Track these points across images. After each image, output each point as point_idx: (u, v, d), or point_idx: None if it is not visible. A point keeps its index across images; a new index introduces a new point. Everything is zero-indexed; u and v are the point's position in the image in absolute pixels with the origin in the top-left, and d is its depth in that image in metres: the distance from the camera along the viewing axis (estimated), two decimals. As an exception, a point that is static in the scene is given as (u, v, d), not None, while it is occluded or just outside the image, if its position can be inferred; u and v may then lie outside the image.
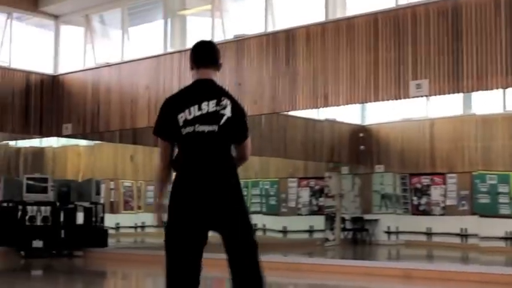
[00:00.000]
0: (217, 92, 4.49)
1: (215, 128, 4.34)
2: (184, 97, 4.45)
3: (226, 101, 4.43)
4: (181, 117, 4.34)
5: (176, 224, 4.35)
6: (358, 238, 20.39)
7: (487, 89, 10.80)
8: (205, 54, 4.65)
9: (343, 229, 20.17)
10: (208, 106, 4.37)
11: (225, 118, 4.38)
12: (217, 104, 4.40)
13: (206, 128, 4.33)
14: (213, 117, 4.35)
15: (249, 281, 4.45)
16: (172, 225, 4.36)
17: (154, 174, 4.62)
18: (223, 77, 13.49)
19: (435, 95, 11.38)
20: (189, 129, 4.32)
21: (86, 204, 15.58)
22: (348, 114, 20.43)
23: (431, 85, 11.05)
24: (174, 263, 4.39)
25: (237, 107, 4.48)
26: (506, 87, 11.00)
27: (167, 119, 4.39)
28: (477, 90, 10.98)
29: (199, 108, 4.36)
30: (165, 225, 4.39)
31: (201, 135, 4.32)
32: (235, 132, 4.46)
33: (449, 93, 11.22)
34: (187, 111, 4.34)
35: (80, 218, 15.64)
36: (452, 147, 19.47)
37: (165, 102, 4.50)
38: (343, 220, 19.97)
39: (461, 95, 16.85)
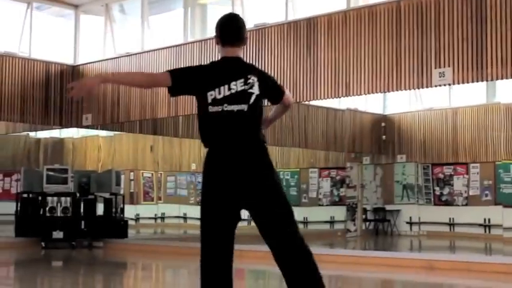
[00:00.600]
0: (245, 70, 4.49)
1: (244, 107, 4.37)
2: (215, 75, 4.45)
3: (253, 79, 4.45)
4: (211, 95, 4.38)
5: (210, 203, 4.40)
6: (380, 229, 20.29)
7: (510, 77, 10.61)
8: (232, 32, 4.61)
9: (365, 220, 20.06)
10: (237, 86, 4.39)
11: (254, 97, 4.41)
12: (245, 83, 4.41)
13: (235, 108, 4.36)
14: (241, 96, 4.38)
15: (295, 261, 4.48)
16: (207, 204, 4.41)
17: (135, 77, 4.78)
18: (244, 67, 13.43)
19: (458, 83, 11.19)
20: (217, 108, 4.36)
21: (106, 195, 15.56)
22: (370, 103, 20.30)
23: (454, 73, 10.91)
24: (208, 242, 4.44)
25: (264, 80, 4.51)
26: (531, 75, 10.78)
27: (192, 86, 4.47)
28: (501, 78, 10.79)
29: (229, 88, 4.39)
30: (200, 204, 4.47)
31: (231, 115, 4.35)
32: (273, 97, 4.63)
33: (472, 82, 11.05)
34: (217, 90, 4.38)
35: (100, 209, 15.65)
36: (475, 137, 19.30)
37: (199, 69, 4.55)
38: (364, 211, 19.85)
39: (484, 83, 16.71)
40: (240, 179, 4.33)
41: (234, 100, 4.36)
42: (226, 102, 4.35)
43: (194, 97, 4.52)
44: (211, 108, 4.37)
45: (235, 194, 4.37)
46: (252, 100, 4.39)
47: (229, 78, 4.40)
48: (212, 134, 4.41)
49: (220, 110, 4.35)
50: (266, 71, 12.70)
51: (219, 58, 4.59)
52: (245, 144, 4.38)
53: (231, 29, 4.62)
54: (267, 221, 4.44)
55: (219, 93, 4.37)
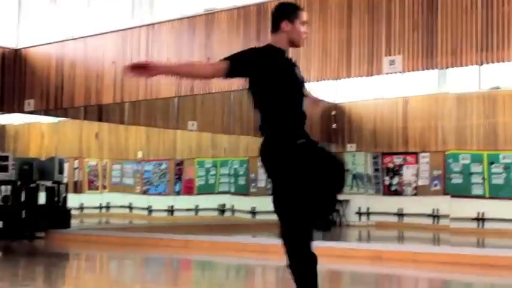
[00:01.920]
0: None
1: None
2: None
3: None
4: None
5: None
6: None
7: (461, 66, 10.64)
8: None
9: (314, 210, 19.91)
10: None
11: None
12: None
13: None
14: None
15: None
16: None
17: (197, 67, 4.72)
18: (193, 52, 13.20)
19: (409, 71, 11.15)
20: (297, 88, 4.60)
21: (49, 183, 15.21)
22: (321, 91, 20.13)
23: (405, 61, 10.86)
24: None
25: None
26: (481, 64, 10.76)
27: (262, 66, 4.52)
28: (451, 66, 10.82)
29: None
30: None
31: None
32: None
33: (423, 70, 11.00)
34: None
35: (42, 197, 15.29)
36: (426, 126, 19.30)
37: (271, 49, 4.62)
38: (313, 200, 19.70)
39: (436, 72, 16.73)
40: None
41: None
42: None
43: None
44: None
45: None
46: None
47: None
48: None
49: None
50: (214, 57, 12.59)
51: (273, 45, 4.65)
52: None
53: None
54: None
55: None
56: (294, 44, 4.63)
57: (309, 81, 11.99)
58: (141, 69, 4.34)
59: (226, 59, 4.47)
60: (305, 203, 4.44)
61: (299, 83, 4.63)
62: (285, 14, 4.60)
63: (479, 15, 10.22)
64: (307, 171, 4.41)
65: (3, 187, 14.54)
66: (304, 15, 4.62)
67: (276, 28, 4.63)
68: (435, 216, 18.75)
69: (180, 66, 4.46)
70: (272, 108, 4.52)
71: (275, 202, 4.55)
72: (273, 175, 4.51)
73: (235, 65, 4.45)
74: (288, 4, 4.70)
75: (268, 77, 4.48)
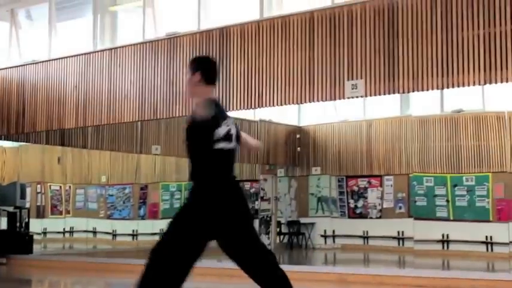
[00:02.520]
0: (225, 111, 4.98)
1: (234, 145, 4.84)
2: (217, 113, 4.74)
3: (232, 120, 4.90)
4: (217, 132, 4.67)
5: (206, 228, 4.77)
6: (294, 242, 20.15)
7: (422, 90, 10.64)
8: (216, 72, 5.00)
9: (279, 233, 19.93)
10: (228, 125, 4.80)
11: (235, 136, 4.87)
12: (231, 123, 4.86)
13: (230, 146, 4.79)
14: (231, 135, 4.80)
15: None
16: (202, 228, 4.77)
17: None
18: (155, 76, 13.16)
19: (371, 95, 11.15)
20: (221, 145, 4.70)
21: (10, 208, 15.04)
22: (285, 114, 20.18)
23: (367, 85, 10.87)
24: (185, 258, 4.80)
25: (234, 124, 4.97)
26: (442, 88, 10.83)
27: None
28: (413, 90, 10.80)
29: (227, 125, 4.78)
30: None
31: (228, 152, 4.78)
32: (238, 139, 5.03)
33: (385, 94, 11.01)
34: (220, 129, 4.70)
35: (3, 223, 15.07)
36: (390, 149, 19.39)
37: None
38: (278, 224, 19.72)
39: (398, 95, 16.82)
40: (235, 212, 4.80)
41: (229, 138, 4.76)
42: (227, 141, 4.73)
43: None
44: (216, 145, 4.68)
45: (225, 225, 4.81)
46: (234, 138, 4.84)
47: (223, 117, 4.79)
48: (214, 169, 4.72)
49: (222, 147, 4.70)
50: (177, 81, 12.56)
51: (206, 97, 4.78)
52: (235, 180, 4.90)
53: (216, 69, 5.00)
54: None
55: (222, 131, 4.71)
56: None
57: (273, 105, 12.06)
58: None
59: None
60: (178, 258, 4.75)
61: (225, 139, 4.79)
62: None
63: (439, 39, 10.27)
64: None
65: (-37, 213, 14.35)
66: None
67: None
68: (400, 238, 18.80)
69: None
70: (200, 162, 4.75)
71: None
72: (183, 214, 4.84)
73: None
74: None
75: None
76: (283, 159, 20.73)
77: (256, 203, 19.19)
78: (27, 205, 15.84)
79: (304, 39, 11.55)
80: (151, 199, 19.60)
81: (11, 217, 15.08)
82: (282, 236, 20.17)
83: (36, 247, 15.39)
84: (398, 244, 18.80)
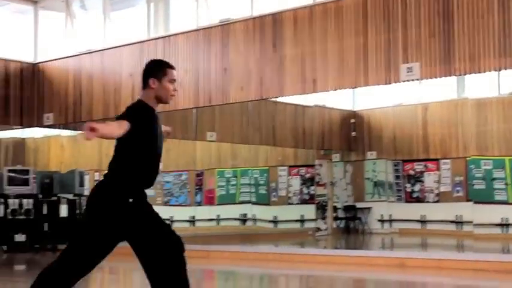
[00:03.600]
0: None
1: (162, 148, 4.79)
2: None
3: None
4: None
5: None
6: (351, 227, 20.10)
7: (479, 72, 10.53)
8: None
9: (335, 218, 19.89)
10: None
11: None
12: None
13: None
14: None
15: None
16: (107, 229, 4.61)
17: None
18: (209, 63, 13.21)
19: (426, 78, 11.11)
20: (153, 145, 4.66)
21: (70, 196, 15.26)
22: (339, 99, 20.09)
23: (422, 68, 10.77)
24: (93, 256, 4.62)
25: None
26: (499, 69, 10.67)
27: (145, 124, 4.59)
28: (469, 73, 10.73)
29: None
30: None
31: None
32: None
33: (440, 77, 10.91)
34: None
35: (63, 210, 15.31)
36: (446, 132, 19.16)
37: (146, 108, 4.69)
38: (335, 209, 19.67)
39: (454, 78, 16.60)
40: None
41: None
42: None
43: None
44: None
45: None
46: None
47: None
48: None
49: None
50: (231, 68, 12.59)
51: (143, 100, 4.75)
52: None
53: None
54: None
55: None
56: (161, 100, 4.72)
57: (327, 90, 12.02)
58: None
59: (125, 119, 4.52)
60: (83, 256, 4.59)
61: (158, 142, 4.71)
62: (152, 71, 4.71)
63: (496, 20, 10.13)
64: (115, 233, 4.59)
65: (25, 201, 14.61)
66: (172, 73, 4.72)
67: (144, 85, 4.73)
68: (458, 222, 18.59)
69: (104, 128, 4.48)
70: (125, 158, 4.62)
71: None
72: (89, 218, 4.62)
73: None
74: (157, 62, 4.84)
75: (133, 131, 4.50)
76: (338, 144, 20.66)
77: (312, 188, 19.18)
78: (86, 192, 16.04)
79: (357, 23, 11.48)
80: (207, 185, 19.70)
81: (71, 204, 15.30)
82: (338, 221, 20.11)
83: (95, 234, 15.57)
84: (457, 228, 18.61)
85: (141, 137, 4.55)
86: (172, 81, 4.70)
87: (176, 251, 4.59)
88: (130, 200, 4.57)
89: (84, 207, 4.68)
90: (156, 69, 4.70)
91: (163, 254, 4.54)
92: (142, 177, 4.66)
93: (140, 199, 4.64)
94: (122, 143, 4.56)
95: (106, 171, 4.67)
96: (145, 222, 4.60)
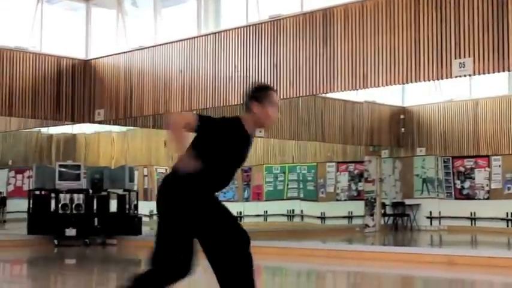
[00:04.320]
0: None
1: None
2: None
3: None
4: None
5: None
6: (399, 224, 19.96)
7: (533, 67, 10.30)
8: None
9: (383, 215, 19.76)
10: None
11: None
12: None
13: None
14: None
15: None
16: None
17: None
18: (259, 59, 13.21)
19: (479, 74, 10.92)
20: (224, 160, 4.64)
21: (119, 191, 15.41)
22: (388, 95, 19.96)
23: (475, 64, 10.62)
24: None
25: None
26: (553, 65, 10.45)
27: (219, 136, 4.59)
28: (524, 68, 10.48)
29: None
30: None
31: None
32: None
33: (493, 72, 10.77)
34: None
35: (113, 205, 15.50)
36: (497, 128, 18.95)
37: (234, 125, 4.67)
38: (383, 205, 19.56)
39: (506, 73, 16.36)
40: None
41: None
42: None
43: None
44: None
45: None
46: None
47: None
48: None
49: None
50: (281, 64, 12.58)
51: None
52: None
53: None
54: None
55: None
56: (261, 125, 4.69)
57: (378, 86, 11.95)
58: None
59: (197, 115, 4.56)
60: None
61: (233, 161, 4.67)
62: (255, 95, 4.63)
63: (551, 13, 9.98)
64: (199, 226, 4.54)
65: (75, 196, 14.77)
66: (274, 96, 4.62)
67: (246, 108, 4.66)
68: (509, 220, 18.36)
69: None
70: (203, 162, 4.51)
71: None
72: (167, 214, 4.58)
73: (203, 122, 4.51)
74: (259, 86, 4.76)
75: (203, 136, 4.52)
76: (387, 140, 20.54)
77: (360, 184, 19.09)
78: (135, 188, 16.19)
79: (409, 18, 11.38)
80: (255, 181, 19.75)
81: (121, 199, 15.44)
82: (386, 218, 20.00)
83: (144, 229, 15.71)
84: (507, 225, 18.38)
85: (213, 146, 4.53)
86: (274, 103, 4.62)
87: (244, 249, 4.56)
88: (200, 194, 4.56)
89: (156, 200, 4.62)
90: (259, 93, 4.64)
91: (232, 252, 4.52)
92: (213, 182, 4.65)
93: (210, 194, 4.63)
94: (198, 143, 4.54)
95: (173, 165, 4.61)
96: (216, 218, 4.57)
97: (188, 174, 4.43)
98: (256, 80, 4.73)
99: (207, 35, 14.34)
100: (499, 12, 10.41)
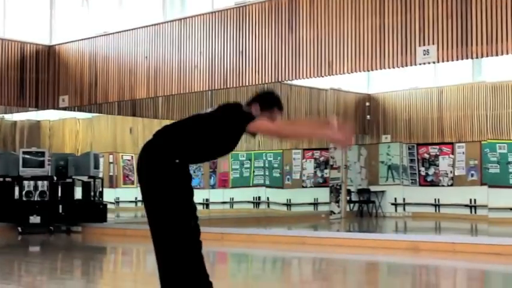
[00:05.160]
0: None
1: None
2: None
3: None
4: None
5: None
6: (364, 210, 20.08)
7: (496, 55, 10.47)
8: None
9: (349, 201, 19.88)
10: None
11: None
12: None
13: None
14: None
15: None
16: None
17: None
18: (225, 46, 13.18)
19: (443, 61, 10.99)
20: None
21: (84, 178, 15.33)
22: (354, 82, 20.02)
23: (439, 51, 10.71)
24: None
25: None
26: (517, 52, 10.55)
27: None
28: (486, 55, 10.65)
29: None
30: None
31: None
32: None
33: (457, 59, 10.84)
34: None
35: (78, 192, 15.42)
36: (461, 116, 19.10)
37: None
38: (348, 192, 19.67)
39: (470, 61, 16.49)
40: None
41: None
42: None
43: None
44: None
45: None
46: None
47: None
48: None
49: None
50: (247, 50, 12.56)
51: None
52: None
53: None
54: None
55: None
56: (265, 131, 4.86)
57: (343, 73, 11.98)
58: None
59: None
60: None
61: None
62: (277, 103, 4.79)
63: (515, 2, 10.06)
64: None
65: (40, 182, 14.66)
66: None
67: (266, 106, 4.76)
68: (472, 206, 18.55)
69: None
70: (196, 142, 4.65)
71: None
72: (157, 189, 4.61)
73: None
74: (279, 99, 4.89)
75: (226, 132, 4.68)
76: (353, 128, 20.60)
77: (326, 171, 19.15)
78: (101, 175, 16.09)
79: (374, 5, 11.43)
80: (221, 168, 19.71)
81: (86, 186, 15.37)
82: (352, 205, 20.11)
83: (109, 216, 15.66)
84: (471, 212, 18.55)
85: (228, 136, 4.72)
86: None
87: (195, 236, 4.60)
88: (177, 161, 4.55)
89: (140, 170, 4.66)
90: (278, 104, 4.80)
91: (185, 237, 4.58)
92: (195, 157, 4.74)
93: (187, 166, 4.64)
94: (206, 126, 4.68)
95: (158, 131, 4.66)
96: (182, 192, 4.59)
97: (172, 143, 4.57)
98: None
99: (172, 21, 14.26)
100: (463, 0, 10.48)
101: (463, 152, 19.03)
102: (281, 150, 19.80)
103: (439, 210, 19.21)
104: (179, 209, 4.52)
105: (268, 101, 4.77)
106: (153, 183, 4.55)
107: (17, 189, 14.74)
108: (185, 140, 4.57)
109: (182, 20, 13.88)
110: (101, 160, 16.40)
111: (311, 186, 19.56)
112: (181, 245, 4.50)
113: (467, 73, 18.92)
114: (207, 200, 19.11)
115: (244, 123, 4.56)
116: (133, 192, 19.40)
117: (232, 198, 19.72)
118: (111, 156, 18.93)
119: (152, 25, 14.45)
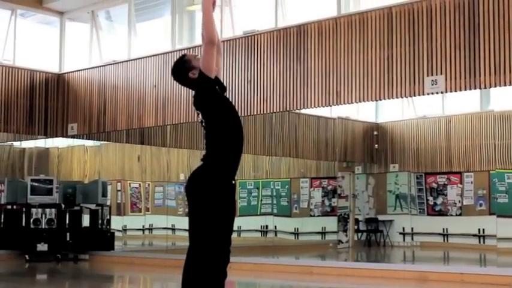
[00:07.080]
0: None
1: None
2: None
3: None
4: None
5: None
6: (372, 240, 20.01)
7: (504, 85, 10.46)
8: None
9: (357, 231, 19.81)
10: None
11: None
12: None
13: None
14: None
15: None
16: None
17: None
18: (234, 75, 13.23)
19: (451, 91, 11.00)
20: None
21: (92, 206, 15.33)
22: (362, 112, 20.05)
23: (447, 81, 10.73)
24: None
25: None
26: (525, 83, 10.56)
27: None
28: (494, 86, 10.62)
29: None
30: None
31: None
32: None
33: (465, 90, 10.85)
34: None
35: (85, 220, 15.42)
36: (469, 145, 19.07)
37: None
38: (356, 221, 19.60)
39: (478, 90, 16.48)
40: None
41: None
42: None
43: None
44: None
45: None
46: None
47: None
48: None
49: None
50: (255, 79, 12.60)
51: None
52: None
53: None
54: None
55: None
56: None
57: (351, 103, 12.00)
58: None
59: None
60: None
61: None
62: (184, 56, 5.26)
63: (523, 33, 10.09)
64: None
65: (47, 210, 14.68)
66: None
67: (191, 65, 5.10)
68: (481, 236, 18.46)
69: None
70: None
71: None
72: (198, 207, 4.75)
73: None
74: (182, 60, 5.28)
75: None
76: (360, 157, 20.61)
77: (334, 200, 19.12)
78: (108, 203, 16.11)
79: (382, 35, 11.47)
80: (228, 197, 19.69)
81: (93, 214, 15.37)
82: (359, 234, 20.05)
83: (117, 244, 15.63)
84: (479, 242, 18.46)
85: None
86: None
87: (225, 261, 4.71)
88: (233, 182, 4.76)
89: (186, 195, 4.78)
90: (185, 57, 5.27)
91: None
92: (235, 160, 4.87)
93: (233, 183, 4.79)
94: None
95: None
96: (229, 214, 4.78)
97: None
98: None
99: (181, 50, 14.33)
100: (471, 31, 10.53)
101: (472, 182, 18.99)
102: (289, 179, 19.79)
103: (447, 240, 19.13)
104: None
105: (186, 63, 5.10)
106: None
107: (24, 216, 14.74)
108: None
109: (191, 49, 13.94)
110: (109, 188, 16.43)
111: (319, 215, 19.52)
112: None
113: (475, 102, 18.93)
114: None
115: (203, 81, 4.84)
116: (141, 220, 19.44)
117: (240, 227, 19.66)
118: (119, 184, 18.96)
119: (161, 54, 14.53)
